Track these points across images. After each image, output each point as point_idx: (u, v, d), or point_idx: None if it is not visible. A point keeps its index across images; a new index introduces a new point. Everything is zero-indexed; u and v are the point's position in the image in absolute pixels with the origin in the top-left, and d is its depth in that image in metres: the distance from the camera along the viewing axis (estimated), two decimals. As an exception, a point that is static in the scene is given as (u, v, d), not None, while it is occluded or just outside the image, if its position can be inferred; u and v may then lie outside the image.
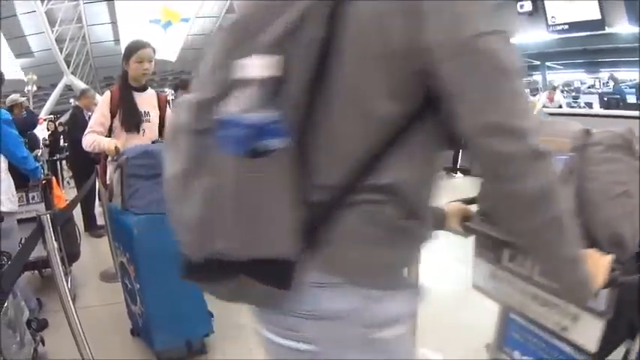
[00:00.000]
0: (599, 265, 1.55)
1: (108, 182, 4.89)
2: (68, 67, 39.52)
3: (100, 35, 41.18)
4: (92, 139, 4.65)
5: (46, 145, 14.70)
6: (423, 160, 1.36)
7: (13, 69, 33.18)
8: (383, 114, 1.27)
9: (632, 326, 1.90)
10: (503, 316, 2.56)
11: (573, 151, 2.01)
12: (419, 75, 1.25)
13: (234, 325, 4.76)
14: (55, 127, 16.85)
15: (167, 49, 39.95)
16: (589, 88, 20.47)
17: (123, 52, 4.86)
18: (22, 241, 4.87)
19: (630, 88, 17.08)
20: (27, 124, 8.33)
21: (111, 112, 4.80)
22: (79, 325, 3.44)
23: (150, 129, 4.91)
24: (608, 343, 1.89)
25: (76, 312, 3.43)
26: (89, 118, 5.64)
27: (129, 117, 4.78)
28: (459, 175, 12.28)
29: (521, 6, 10.94)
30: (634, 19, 16.54)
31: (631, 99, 15.71)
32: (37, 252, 3.33)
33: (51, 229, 3.27)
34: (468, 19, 1.23)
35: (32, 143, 8.91)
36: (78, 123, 8.49)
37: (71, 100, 40.86)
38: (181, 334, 4.07)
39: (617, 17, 17.16)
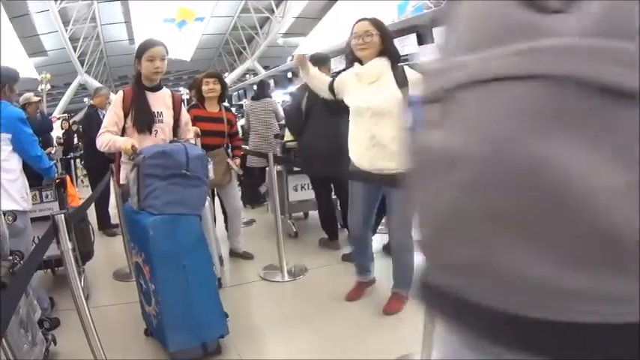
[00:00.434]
0: None
1: (122, 182, 4.88)
2: (82, 66, 39.58)
3: (114, 34, 41.19)
4: (107, 139, 4.56)
5: (59, 144, 14.75)
6: None
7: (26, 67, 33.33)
8: None
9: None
10: None
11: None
12: None
13: (250, 325, 4.78)
14: (69, 126, 16.90)
15: (181, 48, 40.00)
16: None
17: (135, 53, 4.83)
18: (36, 240, 4.90)
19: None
20: (42, 128, 8.34)
21: (123, 112, 4.74)
22: (91, 325, 3.43)
23: (162, 130, 4.84)
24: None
25: (89, 311, 3.42)
26: (103, 117, 5.64)
27: (141, 117, 4.73)
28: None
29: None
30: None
31: None
32: (51, 250, 3.30)
33: (65, 229, 3.27)
34: None
35: (45, 141, 8.90)
36: (92, 122, 8.50)
37: (85, 99, 41.11)
38: (196, 335, 4.03)
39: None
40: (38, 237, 4.72)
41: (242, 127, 9.75)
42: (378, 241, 5.29)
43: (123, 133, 4.75)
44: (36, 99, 9.64)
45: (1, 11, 27.12)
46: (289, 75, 26.48)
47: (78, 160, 14.62)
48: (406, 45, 15.49)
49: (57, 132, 16.02)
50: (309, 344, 4.41)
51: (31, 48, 37.19)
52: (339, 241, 7.03)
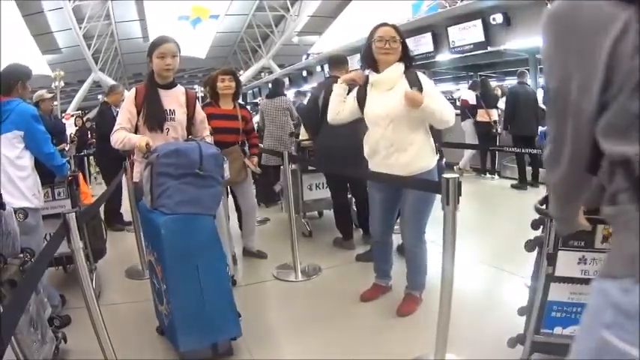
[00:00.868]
0: None
1: (135, 180, 4.85)
2: (96, 64, 39.73)
3: (128, 32, 41.35)
4: (122, 136, 4.53)
5: (72, 141, 14.79)
6: None
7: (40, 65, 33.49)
8: None
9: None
10: (544, 301, 3.21)
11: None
12: None
13: (262, 325, 4.75)
14: (83, 123, 16.92)
15: (196, 45, 40.08)
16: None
17: (147, 50, 4.79)
18: (48, 237, 4.88)
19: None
20: (55, 130, 8.34)
21: (136, 110, 4.72)
22: (102, 324, 3.41)
23: (174, 128, 4.80)
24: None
25: (100, 311, 3.41)
26: (117, 114, 5.60)
27: (152, 115, 4.69)
28: (492, 176, 12.22)
29: (551, 7, 10.79)
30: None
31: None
32: (62, 247, 3.27)
33: (76, 228, 3.24)
34: None
35: (58, 141, 8.90)
36: (106, 119, 8.54)
37: (99, 97, 41.23)
38: (207, 336, 3.99)
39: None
40: (50, 234, 4.71)
41: (257, 124, 9.78)
42: (394, 242, 5.24)
43: (136, 131, 4.71)
44: (49, 96, 9.71)
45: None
46: (304, 73, 26.53)
47: (91, 158, 14.61)
48: (421, 44, 15.47)
49: (70, 129, 16.06)
50: (323, 345, 4.37)
51: (45, 45, 37.33)
52: (354, 240, 7.00)
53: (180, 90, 4.96)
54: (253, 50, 47.06)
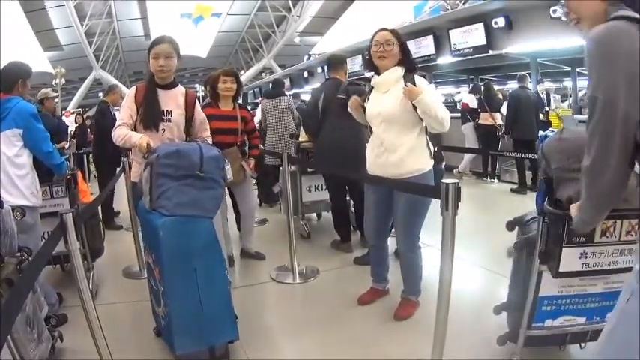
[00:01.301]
0: None
1: (133, 180, 4.84)
2: (97, 62, 39.72)
3: (130, 30, 41.34)
4: (123, 134, 4.48)
5: (73, 137, 14.81)
6: None
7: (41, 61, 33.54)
8: None
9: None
10: (535, 296, 3.40)
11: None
12: None
13: (259, 327, 4.75)
14: (83, 121, 16.91)
15: (198, 44, 40.08)
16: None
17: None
18: (46, 236, 4.88)
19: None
20: (58, 130, 8.34)
21: (136, 107, 4.69)
22: (98, 324, 3.41)
23: (169, 129, 4.73)
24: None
25: (96, 311, 3.41)
26: (115, 114, 5.59)
27: (148, 115, 4.65)
28: (492, 180, 12.22)
29: (554, 11, 10.75)
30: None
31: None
32: (60, 246, 3.29)
33: (73, 228, 3.23)
34: None
35: (60, 137, 8.90)
36: (105, 117, 8.57)
37: (100, 94, 41.18)
38: (204, 339, 3.96)
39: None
40: (48, 233, 4.73)
41: (259, 123, 9.82)
42: (390, 245, 5.25)
43: (135, 129, 4.69)
44: (54, 94, 9.77)
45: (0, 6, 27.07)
46: (305, 74, 26.50)
47: (91, 155, 14.62)
48: (422, 47, 15.46)
49: (71, 127, 16.06)
50: (319, 347, 4.37)
51: (47, 42, 37.34)
52: (352, 243, 6.99)
53: (179, 90, 4.91)
54: (254, 50, 47.07)
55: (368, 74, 5.02)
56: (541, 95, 13.12)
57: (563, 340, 3.69)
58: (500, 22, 12.47)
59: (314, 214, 8.82)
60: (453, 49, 14.34)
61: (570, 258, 3.20)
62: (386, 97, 4.60)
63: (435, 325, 3.47)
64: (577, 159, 2.84)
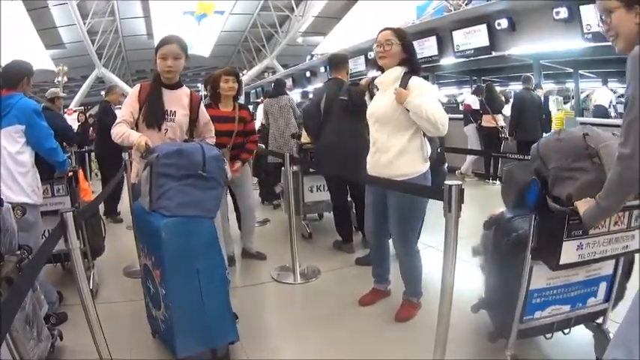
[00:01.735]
0: None
1: (133, 180, 4.81)
2: (100, 60, 39.70)
3: (132, 28, 41.30)
4: (122, 131, 4.36)
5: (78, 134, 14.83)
6: None
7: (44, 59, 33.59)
8: None
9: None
10: (526, 291, 3.52)
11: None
12: None
13: (260, 327, 4.74)
14: (86, 119, 16.89)
15: (200, 44, 40.08)
16: (619, 97, 20.27)
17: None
18: (46, 234, 4.88)
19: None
20: (64, 134, 8.36)
21: (139, 106, 4.59)
22: (98, 323, 3.41)
23: (172, 129, 4.65)
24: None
25: (96, 310, 3.40)
26: (116, 115, 5.56)
27: (151, 114, 4.56)
28: (494, 182, 12.18)
29: (557, 13, 10.74)
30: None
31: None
32: (61, 244, 3.28)
33: (73, 227, 3.22)
34: None
35: (67, 139, 8.93)
36: (107, 116, 8.63)
37: (102, 92, 41.20)
38: (206, 341, 3.94)
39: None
40: (49, 231, 4.71)
41: (262, 123, 9.88)
42: (392, 247, 5.25)
43: (136, 128, 4.60)
44: (63, 94, 9.92)
45: None
46: (308, 74, 26.50)
47: (92, 154, 14.61)
48: (425, 48, 15.45)
49: (73, 125, 16.05)
50: (320, 348, 4.35)
51: (49, 40, 37.35)
52: (354, 244, 6.97)
53: (184, 91, 4.83)
54: (257, 50, 47.05)
55: (371, 74, 5.01)
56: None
57: (551, 329, 3.83)
58: (504, 23, 12.47)
59: (315, 214, 8.80)
60: (455, 50, 14.34)
61: (569, 251, 3.32)
62: (382, 98, 4.61)
63: (437, 326, 3.47)
64: (575, 158, 3.22)
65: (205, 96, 7.46)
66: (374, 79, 4.91)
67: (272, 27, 42.92)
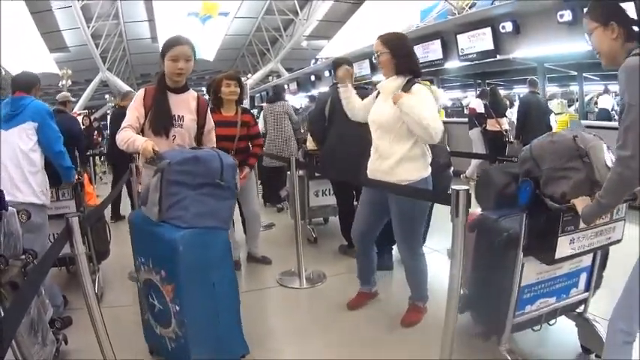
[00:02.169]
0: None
1: (139, 189, 4.74)
2: (104, 63, 39.72)
3: (137, 32, 41.29)
4: (127, 137, 4.11)
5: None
6: None
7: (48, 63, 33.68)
8: None
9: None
10: (518, 288, 3.67)
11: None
12: None
13: (265, 332, 4.76)
14: (90, 122, 16.91)
15: (205, 47, 40.08)
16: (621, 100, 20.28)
17: (160, 50, 4.41)
18: (51, 238, 4.91)
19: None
20: (73, 137, 8.41)
21: (144, 111, 4.37)
22: (103, 328, 3.39)
23: (181, 135, 4.41)
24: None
25: (101, 314, 3.38)
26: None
27: (157, 119, 4.33)
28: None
29: (561, 16, 10.72)
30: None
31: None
32: (66, 248, 3.23)
33: (79, 232, 3.20)
34: None
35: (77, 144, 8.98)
36: (119, 122, 8.67)
37: (106, 96, 41.35)
38: (220, 356, 3.81)
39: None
40: (54, 235, 4.72)
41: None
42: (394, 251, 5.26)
43: (142, 134, 4.36)
44: (74, 99, 10.20)
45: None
46: (312, 78, 26.51)
47: (97, 157, 14.65)
48: (430, 51, 15.44)
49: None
50: (325, 353, 4.35)
51: (53, 43, 37.37)
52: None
53: (191, 95, 4.60)
54: (262, 53, 47.03)
55: (376, 78, 5.00)
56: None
57: (539, 321, 4.04)
58: (508, 26, 12.42)
59: (320, 219, 8.83)
60: (460, 53, 14.31)
61: (563, 245, 3.53)
62: (384, 105, 4.60)
63: (443, 330, 3.47)
64: (568, 158, 3.43)
65: (209, 100, 7.48)
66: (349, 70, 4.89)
67: (276, 31, 42.93)
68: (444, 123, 4.96)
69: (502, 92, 14.81)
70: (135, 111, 4.38)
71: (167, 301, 3.74)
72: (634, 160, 2.53)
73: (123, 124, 4.33)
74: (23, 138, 4.76)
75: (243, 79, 6.46)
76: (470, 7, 17.92)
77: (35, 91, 5.13)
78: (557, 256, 3.54)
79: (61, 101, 9.21)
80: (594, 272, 4.11)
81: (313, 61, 34.01)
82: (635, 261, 2.85)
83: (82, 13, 32.71)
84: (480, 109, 12.84)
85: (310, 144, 7.98)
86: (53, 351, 3.78)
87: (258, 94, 37.75)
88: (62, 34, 37.68)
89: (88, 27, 34.55)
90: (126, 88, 36.26)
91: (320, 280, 6.08)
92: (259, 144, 6.68)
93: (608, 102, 16.41)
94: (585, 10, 3.09)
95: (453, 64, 15.16)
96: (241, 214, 7.05)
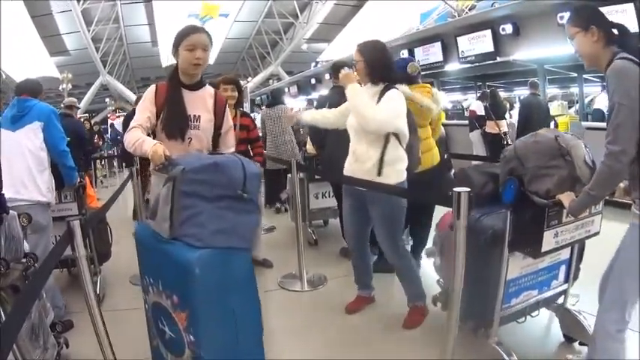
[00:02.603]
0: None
1: (147, 197, 4.63)
2: (104, 67, 39.75)
3: (137, 36, 41.33)
4: (135, 138, 3.64)
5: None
6: None
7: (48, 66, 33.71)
8: None
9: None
10: (505, 284, 3.80)
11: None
12: None
13: (266, 335, 4.69)
14: (91, 126, 16.93)
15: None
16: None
17: (173, 41, 3.94)
18: (53, 240, 4.94)
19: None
20: (78, 139, 8.47)
21: (156, 110, 3.92)
22: (104, 331, 3.39)
23: (198, 138, 3.95)
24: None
25: (102, 318, 3.38)
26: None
27: (172, 120, 3.87)
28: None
29: (561, 17, 10.73)
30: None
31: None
32: (68, 250, 3.22)
33: (80, 235, 3.19)
34: None
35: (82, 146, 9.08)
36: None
37: (107, 100, 41.39)
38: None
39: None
40: (56, 237, 4.73)
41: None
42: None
43: (153, 137, 3.90)
44: (79, 106, 10.42)
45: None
46: (312, 81, 26.50)
47: (97, 161, 14.67)
48: (430, 54, 15.45)
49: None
50: (327, 356, 4.36)
51: (53, 47, 37.45)
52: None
53: (208, 92, 4.14)
54: (262, 57, 47.06)
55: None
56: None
57: (523, 313, 4.21)
58: (508, 28, 12.43)
59: (320, 221, 8.83)
60: (460, 55, 14.31)
61: (549, 239, 3.69)
62: None
63: (445, 333, 3.50)
64: (551, 157, 3.60)
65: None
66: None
67: (276, 34, 42.97)
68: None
69: (502, 94, 14.81)
70: (145, 110, 3.93)
71: (180, 329, 3.23)
72: (624, 155, 2.79)
73: (131, 124, 3.87)
74: (31, 137, 4.91)
75: (243, 82, 6.44)
76: (470, 9, 17.94)
77: (42, 96, 5.33)
78: (544, 249, 3.70)
79: (67, 105, 9.49)
80: (572, 264, 4.32)
81: (313, 64, 34.05)
82: (615, 253, 3.15)
83: (82, 16, 32.76)
84: (481, 111, 12.85)
85: (310, 147, 7.99)
86: (54, 355, 3.77)
87: (258, 98, 37.77)
88: (62, 38, 37.77)
89: (89, 30, 34.66)
90: (126, 91, 36.34)
91: (321, 282, 6.08)
92: (259, 152, 6.70)
93: (603, 102, 16.50)
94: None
95: (453, 66, 15.17)
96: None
